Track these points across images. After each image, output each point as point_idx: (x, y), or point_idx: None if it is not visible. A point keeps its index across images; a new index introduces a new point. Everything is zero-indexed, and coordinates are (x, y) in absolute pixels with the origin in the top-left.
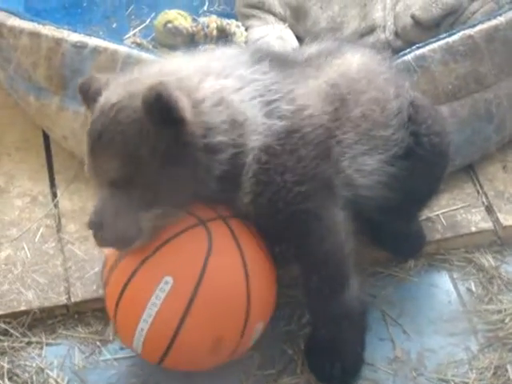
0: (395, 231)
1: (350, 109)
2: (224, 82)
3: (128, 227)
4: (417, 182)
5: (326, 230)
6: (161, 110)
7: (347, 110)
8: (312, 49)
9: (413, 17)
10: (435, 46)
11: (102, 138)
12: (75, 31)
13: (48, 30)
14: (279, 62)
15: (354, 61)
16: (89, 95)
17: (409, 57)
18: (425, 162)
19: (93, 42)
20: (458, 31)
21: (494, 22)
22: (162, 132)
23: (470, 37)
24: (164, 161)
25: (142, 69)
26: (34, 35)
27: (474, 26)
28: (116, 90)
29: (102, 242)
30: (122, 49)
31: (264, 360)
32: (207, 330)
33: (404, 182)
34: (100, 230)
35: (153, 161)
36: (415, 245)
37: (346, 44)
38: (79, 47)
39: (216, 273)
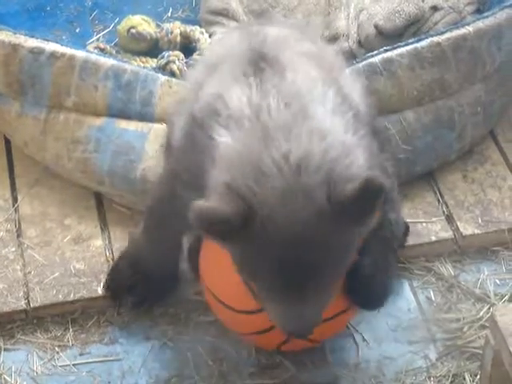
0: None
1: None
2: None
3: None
4: None
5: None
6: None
7: None
8: None
9: (376, 26)
10: (403, 50)
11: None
12: (32, 36)
13: (5, 35)
14: None
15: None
16: (224, 233)
17: (376, 59)
18: None
19: (50, 47)
20: (427, 37)
21: (462, 31)
22: None
23: (438, 44)
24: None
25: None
26: None
27: (442, 33)
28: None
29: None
30: (80, 54)
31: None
32: None
33: None
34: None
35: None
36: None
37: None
38: (36, 53)
39: None
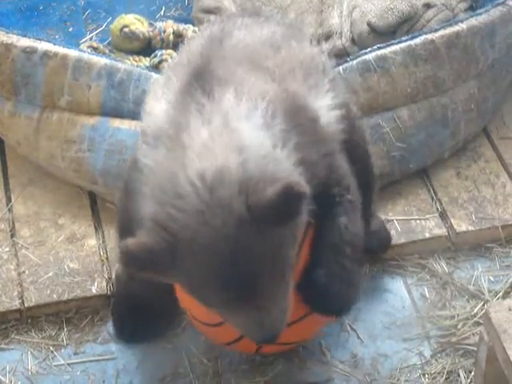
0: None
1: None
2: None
3: (287, 310)
4: None
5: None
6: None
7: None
8: None
9: (369, 24)
10: (397, 47)
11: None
12: (25, 36)
13: None
14: None
15: None
16: (151, 267)
17: (369, 56)
18: None
19: (42, 46)
20: (420, 35)
21: (455, 28)
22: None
23: (432, 41)
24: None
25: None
26: None
27: (436, 30)
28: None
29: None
30: (73, 53)
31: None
32: None
33: None
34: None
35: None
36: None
37: None
38: (29, 53)
39: None
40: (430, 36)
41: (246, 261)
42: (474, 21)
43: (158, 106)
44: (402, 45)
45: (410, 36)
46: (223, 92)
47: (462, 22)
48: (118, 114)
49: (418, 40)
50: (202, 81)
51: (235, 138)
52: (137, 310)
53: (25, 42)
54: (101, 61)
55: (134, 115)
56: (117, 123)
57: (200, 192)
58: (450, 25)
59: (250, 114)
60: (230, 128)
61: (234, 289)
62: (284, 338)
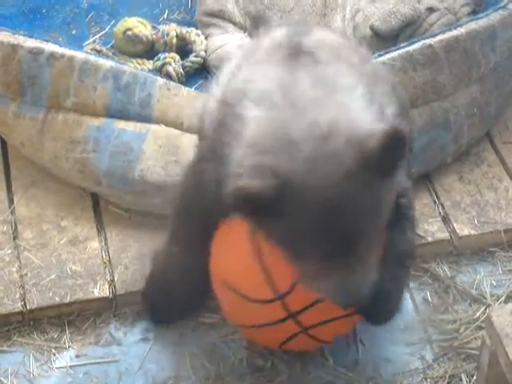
0: None
1: None
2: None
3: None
4: None
5: None
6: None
7: None
8: None
9: (372, 28)
10: (395, 54)
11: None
12: (31, 37)
13: (3, 36)
14: None
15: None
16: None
17: None
18: None
19: (49, 48)
20: (419, 40)
21: (454, 33)
22: None
23: (430, 46)
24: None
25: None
26: None
27: (435, 35)
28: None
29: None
30: (79, 55)
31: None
32: None
33: None
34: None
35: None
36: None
37: None
38: (35, 54)
39: None
40: (428, 41)
41: (349, 212)
42: (473, 25)
43: (260, 70)
44: (401, 51)
45: (408, 42)
46: (329, 65)
47: (461, 26)
48: (124, 116)
49: (416, 45)
50: (306, 55)
51: (344, 100)
52: (170, 291)
53: (31, 42)
54: (107, 63)
55: (140, 118)
56: (122, 125)
57: (313, 139)
58: (449, 29)
59: (356, 88)
60: (338, 91)
61: (332, 240)
62: (316, 333)
